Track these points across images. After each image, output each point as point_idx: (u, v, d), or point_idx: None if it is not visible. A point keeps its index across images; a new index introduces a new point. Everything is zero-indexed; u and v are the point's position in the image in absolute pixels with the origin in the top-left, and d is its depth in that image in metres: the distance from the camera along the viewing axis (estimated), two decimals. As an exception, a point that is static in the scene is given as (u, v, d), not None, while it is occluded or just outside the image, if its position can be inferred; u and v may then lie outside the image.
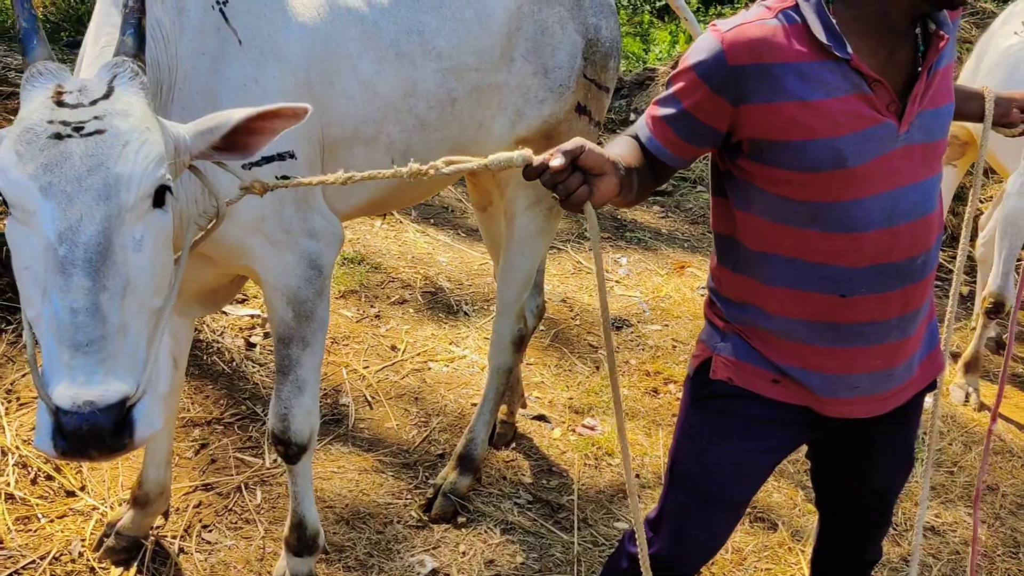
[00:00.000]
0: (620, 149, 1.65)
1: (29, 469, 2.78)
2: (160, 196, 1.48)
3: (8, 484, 2.71)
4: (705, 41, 1.62)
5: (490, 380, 3.02)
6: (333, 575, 2.62)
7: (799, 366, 1.72)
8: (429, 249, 4.79)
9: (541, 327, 3.64)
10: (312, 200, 2.06)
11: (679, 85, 1.65)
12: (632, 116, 6.74)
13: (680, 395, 2.10)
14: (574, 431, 3.42)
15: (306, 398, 2.18)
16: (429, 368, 3.72)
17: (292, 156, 1.98)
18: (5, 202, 1.43)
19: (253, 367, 3.47)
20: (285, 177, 1.95)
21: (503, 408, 3.22)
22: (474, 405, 3.46)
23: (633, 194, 1.63)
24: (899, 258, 1.64)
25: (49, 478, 2.77)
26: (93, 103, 1.46)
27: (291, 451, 2.23)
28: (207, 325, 3.60)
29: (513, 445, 3.29)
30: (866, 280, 1.64)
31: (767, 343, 1.72)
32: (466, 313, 4.20)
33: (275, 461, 3.01)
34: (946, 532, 3.14)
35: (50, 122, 1.42)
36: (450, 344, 3.91)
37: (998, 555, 3.06)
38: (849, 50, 1.56)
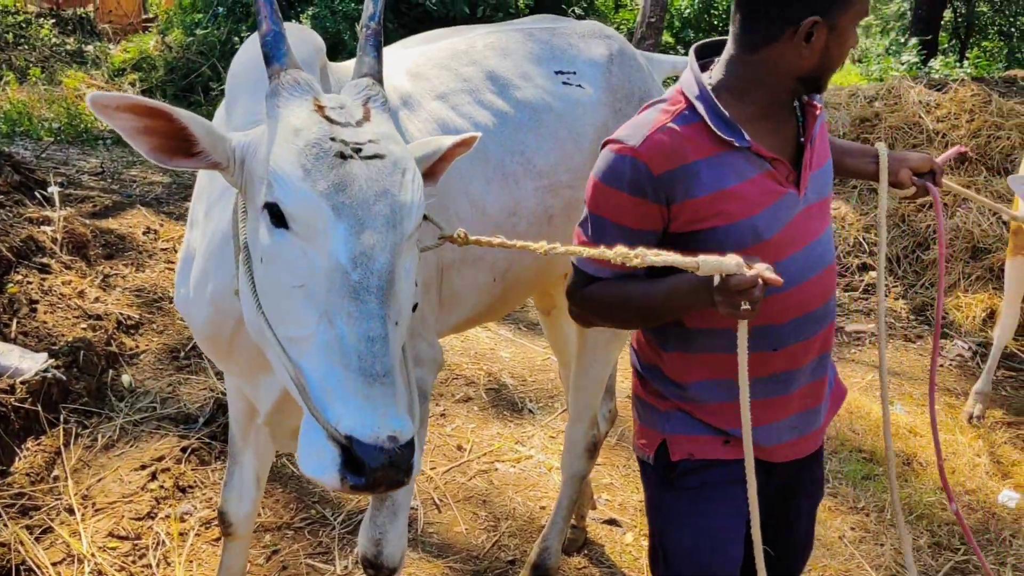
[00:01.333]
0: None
1: (104, 577, 2.79)
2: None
3: (84, 593, 2.72)
4: (617, 159, 1.69)
5: (564, 488, 2.97)
6: None
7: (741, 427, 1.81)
8: (491, 344, 4.80)
9: (608, 427, 3.59)
10: (424, 328, 2.07)
11: (610, 207, 1.71)
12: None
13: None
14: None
15: (399, 522, 2.16)
16: (496, 469, 3.68)
17: (415, 284, 2.00)
18: (275, 214, 1.38)
19: (322, 470, 3.47)
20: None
21: (573, 512, 3.16)
22: (543, 508, 3.41)
23: None
24: (816, 307, 1.81)
25: (124, 587, 2.78)
26: (359, 123, 1.46)
27: (382, 574, 2.20)
28: (276, 426, 3.62)
29: (584, 551, 3.22)
30: (792, 332, 1.79)
31: (709, 412, 1.81)
32: (531, 411, 4.18)
33: (345, 568, 2.98)
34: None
35: (332, 139, 1.40)
36: (516, 443, 3.88)
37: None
38: (747, 138, 1.69)
